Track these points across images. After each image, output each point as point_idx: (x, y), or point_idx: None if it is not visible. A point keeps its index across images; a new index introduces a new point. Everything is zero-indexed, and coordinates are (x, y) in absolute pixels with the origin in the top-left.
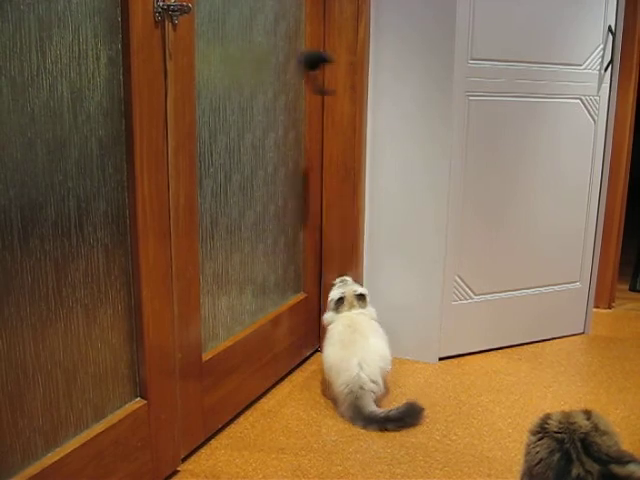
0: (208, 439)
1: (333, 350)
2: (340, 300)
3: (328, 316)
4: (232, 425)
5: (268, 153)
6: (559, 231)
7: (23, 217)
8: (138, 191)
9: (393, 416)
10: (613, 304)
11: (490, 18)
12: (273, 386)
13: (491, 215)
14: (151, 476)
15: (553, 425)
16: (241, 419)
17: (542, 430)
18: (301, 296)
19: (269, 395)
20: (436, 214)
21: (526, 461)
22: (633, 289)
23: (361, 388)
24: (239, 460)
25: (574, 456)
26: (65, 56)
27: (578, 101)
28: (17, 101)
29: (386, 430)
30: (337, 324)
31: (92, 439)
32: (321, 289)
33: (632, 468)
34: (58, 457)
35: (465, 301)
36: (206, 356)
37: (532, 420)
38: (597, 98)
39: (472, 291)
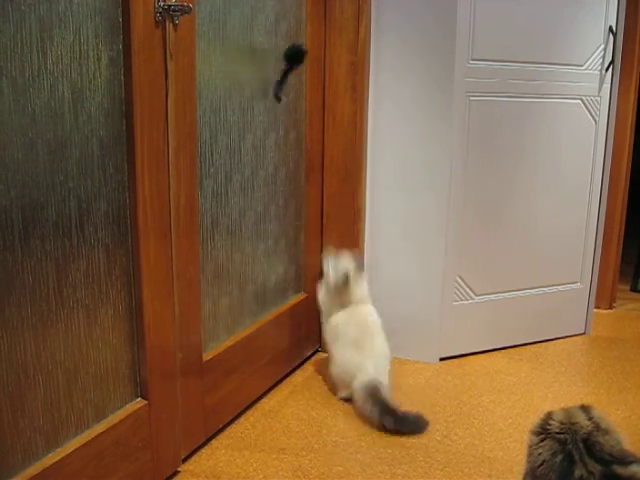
0: (209, 439)
1: (348, 352)
2: (345, 278)
3: (327, 300)
4: (233, 425)
5: (269, 153)
6: (560, 231)
7: (24, 217)
8: (139, 191)
9: (409, 417)
10: (614, 304)
11: (491, 18)
12: (274, 386)
13: (492, 215)
14: (152, 476)
15: (555, 426)
16: (242, 419)
17: (544, 431)
18: (302, 296)
19: (270, 395)
20: (436, 214)
21: (528, 462)
22: (634, 289)
23: (379, 385)
24: (240, 460)
25: (577, 457)
26: (66, 56)
27: (579, 101)
28: (18, 101)
29: (396, 430)
30: (349, 324)
31: (93, 439)
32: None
33: (635, 469)
34: (59, 457)
35: (466, 301)
36: (207, 356)
37: (533, 420)
38: (598, 98)
39: (473, 291)
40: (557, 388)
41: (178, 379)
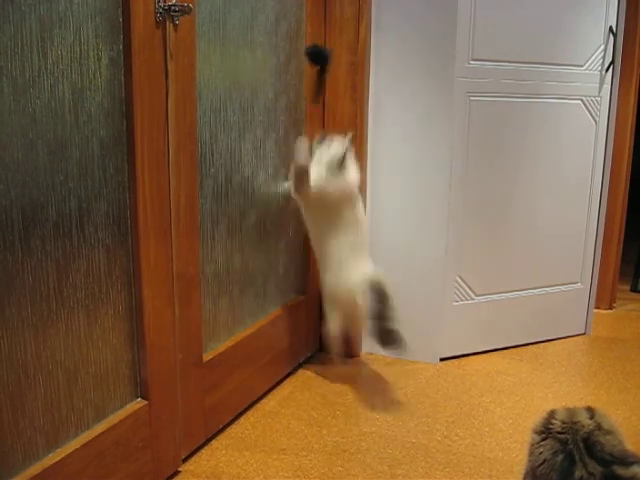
0: (209, 439)
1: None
2: (341, 160)
3: (323, 181)
4: (233, 425)
5: (269, 153)
6: (560, 231)
7: (24, 217)
8: (139, 191)
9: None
10: (614, 305)
11: (491, 19)
12: (274, 386)
13: (492, 215)
14: (152, 476)
15: (557, 425)
16: (242, 419)
17: (546, 430)
18: (301, 297)
19: (270, 395)
20: (437, 214)
21: (529, 461)
22: (634, 290)
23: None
24: (240, 460)
25: (577, 457)
26: (66, 57)
27: (579, 102)
28: (18, 102)
29: (383, 335)
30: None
31: (93, 439)
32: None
33: (635, 469)
34: (59, 457)
35: (466, 301)
36: (207, 356)
37: (533, 421)
38: (598, 99)
39: (473, 291)
40: (557, 388)
41: (178, 379)
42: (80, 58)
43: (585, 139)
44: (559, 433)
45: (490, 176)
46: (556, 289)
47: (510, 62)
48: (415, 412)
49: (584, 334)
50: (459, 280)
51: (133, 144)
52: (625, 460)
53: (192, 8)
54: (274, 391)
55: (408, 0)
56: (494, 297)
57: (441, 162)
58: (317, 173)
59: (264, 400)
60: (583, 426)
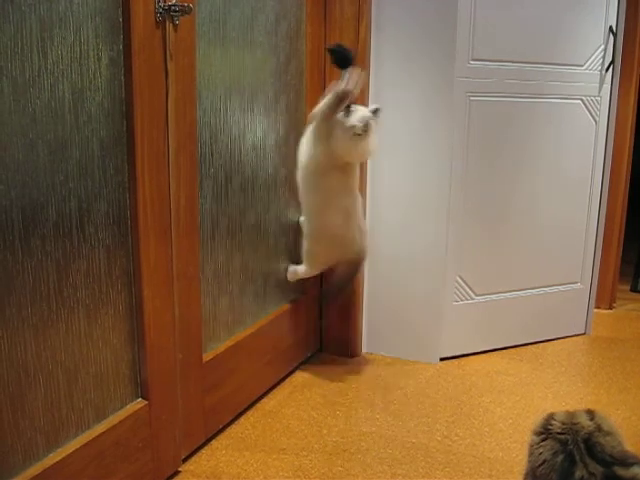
0: (209, 439)
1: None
2: (366, 126)
3: (325, 155)
4: (233, 425)
5: (269, 153)
6: (560, 231)
7: (24, 217)
8: (139, 191)
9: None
10: (614, 305)
11: (491, 19)
12: (274, 386)
13: (492, 215)
14: (152, 476)
15: (556, 426)
16: (242, 419)
17: (545, 431)
18: (301, 297)
19: (270, 395)
20: (437, 214)
21: (529, 461)
22: (634, 290)
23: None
24: (240, 460)
25: (577, 458)
26: (66, 57)
27: (579, 102)
28: (18, 102)
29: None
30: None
31: (93, 439)
32: (322, 289)
33: (636, 470)
34: (59, 457)
35: (466, 301)
36: (207, 356)
37: (533, 421)
38: (598, 99)
39: (473, 291)
40: (557, 388)
41: (178, 379)
42: (80, 58)
43: (585, 139)
44: (559, 434)
45: (490, 176)
46: (556, 289)
47: (510, 62)
48: (415, 412)
49: (584, 334)
50: (459, 280)
51: (133, 144)
52: (625, 461)
53: (192, 8)
54: (274, 391)
55: (408, 1)
56: (494, 297)
57: (441, 162)
58: (360, 118)
59: (264, 400)
60: (583, 427)
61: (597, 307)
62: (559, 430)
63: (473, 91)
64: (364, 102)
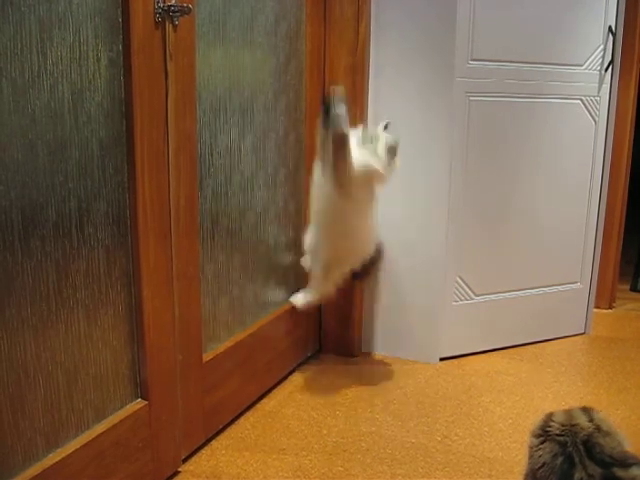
0: (209, 440)
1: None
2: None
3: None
4: (233, 426)
5: (269, 153)
6: (560, 231)
7: (24, 218)
8: (139, 192)
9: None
10: (614, 304)
11: (490, 18)
12: (274, 387)
13: (492, 215)
14: (152, 477)
15: (555, 427)
16: (242, 420)
17: (544, 433)
18: None
19: (270, 396)
20: (437, 214)
21: (529, 463)
22: (634, 289)
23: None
24: (240, 461)
25: (577, 460)
26: (66, 57)
27: (579, 101)
28: (18, 102)
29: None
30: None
31: (93, 440)
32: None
33: (635, 471)
34: (59, 458)
35: (466, 301)
36: (207, 357)
37: (533, 421)
38: (598, 98)
39: (473, 291)
40: (557, 388)
41: (178, 380)
42: (79, 59)
43: (584, 139)
44: (558, 435)
45: (490, 176)
46: (556, 289)
47: (510, 62)
48: (415, 412)
49: (584, 334)
50: (459, 280)
51: (133, 144)
52: (625, 462)
53: (191, 8)
54: (274, 391)
55: (408, 0)
56: (494, 297)
57: (441, 162)
58: (371, 156)
59: (264, 400)
60: (582, 428)
61: (597, 307)
62: (558, 432)
63: (473, 91)
64: (363, 102)
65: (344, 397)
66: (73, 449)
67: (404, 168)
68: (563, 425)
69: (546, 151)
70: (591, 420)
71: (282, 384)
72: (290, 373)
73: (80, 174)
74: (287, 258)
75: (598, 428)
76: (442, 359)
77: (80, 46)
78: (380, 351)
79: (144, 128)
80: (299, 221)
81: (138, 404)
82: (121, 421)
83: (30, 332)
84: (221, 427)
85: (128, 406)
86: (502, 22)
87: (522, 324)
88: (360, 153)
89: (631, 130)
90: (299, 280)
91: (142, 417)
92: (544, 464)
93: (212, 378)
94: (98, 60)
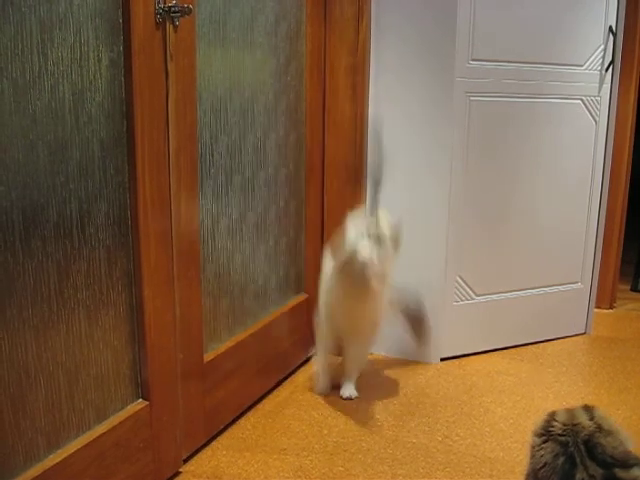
0: (210, 440)
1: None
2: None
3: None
4: (234, 426)
5: (269, 154)
6: (560, 231)
7: (25, 219)
8: (140, 192)
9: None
10: (614, 304)
11: (491, 18)
12: (275, 387)
13: (492, 215)
14: (153, 477)
15: (557, 427)
16: (243, 420)
17: (546, 432)
18: (302, 297)
19: (271, 396)
20: (437, 214)
21: (531, 463)
22: (634, 289)
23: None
24: (241, 461)
25: (578, 460)
26: (66, 58)
27: (579, 101)
28: (19, 103)
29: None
30: None
31: (94, 440)
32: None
33: (636, 472)
34: (60, 458)
35: (466, 301)
36: (208, 357)
37: (534, 421)
38: (598, 98)
39: (473, 291)
40: (558, 388)
41: (179, 380)
42: (80, 59)
43: (585, 139)
44: (560, 435)
45: (490, 176)
46: (556, 289)
47: (510, 62)
48: (415, 412)
49: (584, 334)
50: (459, 280)
51: (133, 145)
52: (626, 462)
53: (192, 9)
54: (275, 391)
55: (408, 1)
56: (494, 297)
57: (441, 162)
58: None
59: (265, 400)
60: (584, 428)
61: (597, 307)
62: (560, 431)
63: (473, 91)
64: (364, 103)
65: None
66: (74, 449)
67: (404, 168)
68: (565, 425)
69: (546, 151)
70: (592, 419)
71: (283, 384)
72: (291, 373)
73: (81, 174)
74: (288, 258)
75: (599, 427)
76: (443, 359)
77: (81, 47)
78: (380, 351)
79: (145, 128)
80: (299, 221)
81: (139, 404)
82: (122, 421)
83: (31, 332)
84: (222, 427)
85: (129, 406)
86: (502, 22)
87: (523, 324)
88: (365, 247)
89: (632, 130)
90: (300, 280)
91: (143, 417)
92: (545, 464)
93: (213, 378)
94: (99, 60)
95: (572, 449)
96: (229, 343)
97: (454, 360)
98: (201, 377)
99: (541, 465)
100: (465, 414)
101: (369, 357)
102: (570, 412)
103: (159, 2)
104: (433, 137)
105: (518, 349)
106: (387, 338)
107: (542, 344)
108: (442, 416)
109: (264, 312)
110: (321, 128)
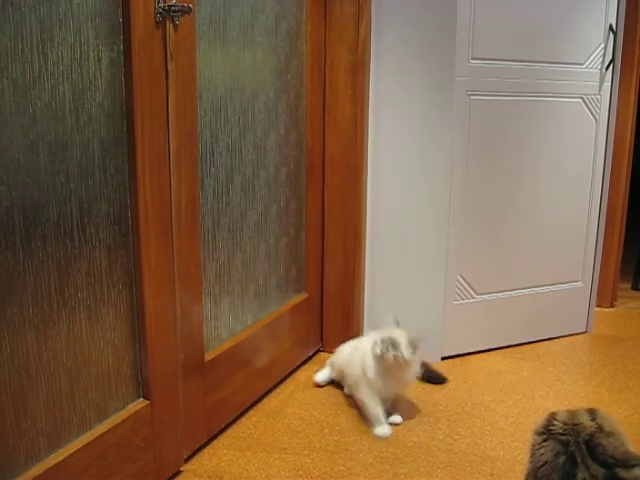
0: (211, 439)
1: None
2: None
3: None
4: (235, 425)
5: (270, 153)
6: (561, 230)
7: (25, 218)
8: (140, 192)
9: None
10: (615, 303)
11: (491, 17)
12: (275, 386)
13: (493, 214)
14: (154, 476)
15: (558, 426)
16: (243, 419)
17: (547, 431)
18: (303, 296)
19: (271, 395)
20: (438, 213)
21: (531, 462)
22: (635, 288)
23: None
24: (242, 460)
25: (579, 459)
26: (67, 57)
27: (579, 100)
28: (19, 103)
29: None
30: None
31: (95, 440)
32: (323, 289)
33: (638, 472)
34: (61, 458)
35: (467, 300)
36: (208, 356)
37: (535, 419)
38: (598, 97)
39: (474, 290)
40: (559, 387)
41: (180, 379)
42: (80, 59)
43: (585, 137)
44: (560, 434)
45: (491, 174)
46: (557, 288)
47: (510, 61)
48: (416, 411)
49: (585, 332)
50: (460, 279)
51: (134, 144)
52: (627, 463)
53: (192, 8)
54: (276, 390)
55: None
56: (495, 296)
57: (442, 161)
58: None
59: (266, 399)
60: (585, 428)
61: (598, 305)
62: (560, 431)
63: (473, 90)
64: (364, 102)
65: (345, 396)
66: (75, 449)
67: (405, 167)
68: (566, 424)
69: (547, 149)
70: (594, 419)
71: (284, 383)
72: (292, 372)
73: (81, 174)
74: (289, 257)
75: (601, 428)
76: (444, 358)
77: (81, 46)
78: None
79: (145, 128)
80: (300, 220)
81: (140, 404)
82: (123, 421)
83: (32, 332)
84: (223, 426)
85: (130, 406)
86: (503, 21)
87: (523, 323)
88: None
89: (632, 128)
90: (300, 278)
91: (144, 417)
92: (546, 462)
93: (214, 377)
94: (99, 60)
95: (573, 448)
96: (230, 342)
97: (455, 359)
98: (202, 376)
99: (541, 463)
100: (466, 413)
101: None
102: (572, 412)
103: (159, 1)
104: (434, 135)
105: (519, 348)
106: None
107: (543, 343)
108: (443, 415)
109: (265, 311)
110: (321, 127)
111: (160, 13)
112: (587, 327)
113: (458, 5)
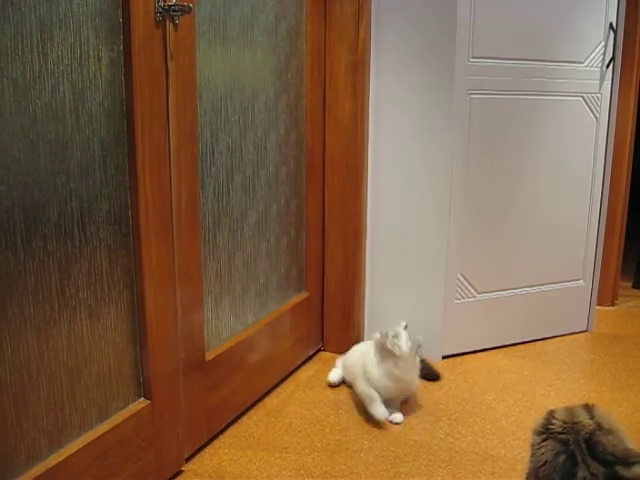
0: (212, 439)
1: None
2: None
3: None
4: (236, 424)
5: (270, 152)
6: (561, 228)
7: (26, 218)
8: (140, 191)
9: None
10: (616, 301)
11: (491, 15)
12: (276, 385)
13: (493, 213)
14: (155, 476)
15: (557, 425)
16: (245, 418)
17: (546, 430)
18: (304, 295)
19: (272, 394)
20: (438, 212)
21: (531, 461)
22: (636, 286)
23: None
24: (243, 459)
25: (579, 458)
26: (67, 57)
27: (580, 99)
28: (19, 103)
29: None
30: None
31: (96, 439)
32: (323, 288)
33: (638, 470)
34: (62, 457)
35: (468, 299)
36: (209, 355)
37: (535, 418)
38: (599, 95)
39: (475, 289)
40: (559, 386)
41: (181, 378)
42: (80, 59)
43: (586, 136)
44: (560, 433)
45: (491, 173)
46: (558, 286)
47: (510, 59)
48: (417, 410)
49: (586, 331)
50: (461, 278)
51: (134, 144)
52: (627, 460)
53: (192, 8)
54: (277, 389)
55: None
56: (496, 295)
57: (442, 159)
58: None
59: (267, 399)
60: (584, 426)
61: (599, 304)
62: (560, 430)
63: (473, 88)
64: (364, 101)
65: (346, 395)
66: (76, 449)
67: (405, 166)
68: (565, 423)
69: (547, 148)
70: (592, 417)
71: (285, 382)
72: (293, 371)
73: (82, 174)
74: (289, 256)
75: (600, 426)
76: (445, 357)
77: (81, 46)
78: None
79: (145, 127)
80: (300, 219)
81: (141, 403)
82: (124, 420)
83: (33, 332)
84: (224, 426)
85: (131, 405)
86: (503, 19)
87: (524, 322)
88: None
89: (632, 126)
90: (301, 278)
91: (145, 416)
92: (546, 462)
93: (215, 376)
94: (99, 60)
95: (573, 447)
96: (231, 341)
97: (456, 358)
98: (203, 375)
99: (542, 463)
100: (467, 412)
101: None
102: (570, 410)
103: (159, 1)
104: (434, 134)
105: (520, 346)
106: None
107: (544, 341)
108: (444, 414)
109: (265, 310)
110: (322, 126)
111: (160, 13)
112: (588, 326)
113: (458, 4)
